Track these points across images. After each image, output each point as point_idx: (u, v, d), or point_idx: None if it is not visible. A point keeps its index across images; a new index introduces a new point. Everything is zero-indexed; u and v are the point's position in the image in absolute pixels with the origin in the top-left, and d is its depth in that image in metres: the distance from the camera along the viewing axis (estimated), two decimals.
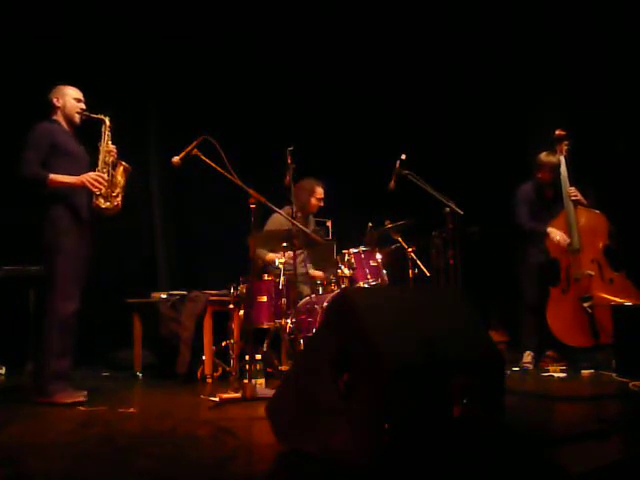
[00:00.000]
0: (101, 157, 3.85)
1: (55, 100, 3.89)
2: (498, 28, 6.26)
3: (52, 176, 3.64)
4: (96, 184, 3.71)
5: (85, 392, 3.69)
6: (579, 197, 4.94)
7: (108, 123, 3.92)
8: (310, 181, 5.00)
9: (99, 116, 3.91)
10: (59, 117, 3.89)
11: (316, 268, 5.08)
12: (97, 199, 3.75)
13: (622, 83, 5.58)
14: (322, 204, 5.13)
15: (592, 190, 5.01)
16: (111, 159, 3.86)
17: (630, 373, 4.03)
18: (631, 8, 5.44)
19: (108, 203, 3.77)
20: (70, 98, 3.89)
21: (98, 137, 3.88)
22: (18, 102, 5.21)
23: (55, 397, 3.53)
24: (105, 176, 3.78)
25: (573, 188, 4.94)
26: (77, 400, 3.55)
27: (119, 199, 3.82)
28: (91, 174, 3.73)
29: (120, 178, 3.85)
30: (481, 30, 6.33)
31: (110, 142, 3.89)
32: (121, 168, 3.88)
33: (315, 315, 4.29)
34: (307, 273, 5.00)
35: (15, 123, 5.10)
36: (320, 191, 5.09)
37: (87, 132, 3.97)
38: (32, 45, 5.39)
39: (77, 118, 3.89)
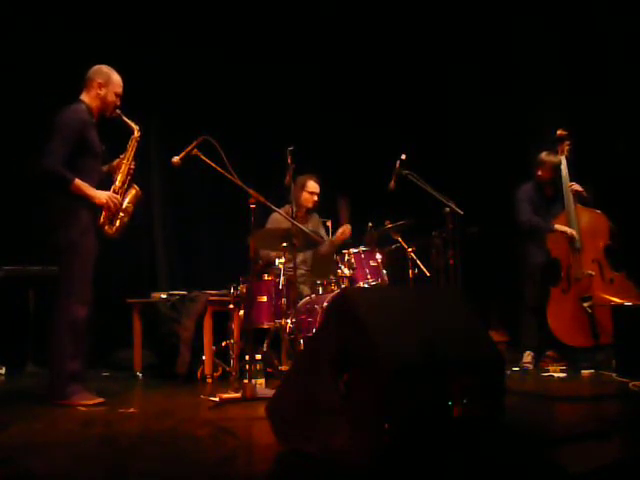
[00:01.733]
0: (122, 174, 3.69)
1: (97, 85, 3.63)
2: (498, 28, 6.25)
3: (77, 182, 3.46)
4: (112, 208, 3.58)
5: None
6: (580, 189, 4.93)
7: (137, 134, 3.74)
8: (303, 176, 4.95)
9: (131, 123, 3.73)
10: (91, 102, 3.64)
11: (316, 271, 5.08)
12: (102, 219, 3.60)
13: (622, 82, 5.58)
14: (316, 198, 5.07)
15: (592, 190, 5.01)
16: (128, 178, 3.71)
17: (630, 373, 4.03)
18: (631, 8, 5.44)
19: (110, 225, 3.63)
20: (113, 90, 3.66)
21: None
22: (17, 103, 5.23)
23: (73, 399, 3.47)
24: (119, 198, 3.64)
25: (574, 183, 4.95)
26: (96, 402, 3.51)
27: (122, 224, 3.67)
28: (112, 196, 3.59)
29: (129, 203, 3.70)
30: (481, 30, 6.33)
31: (133, 158, 3.73)
32: (133, 192, 3.73)
33: (315, 315, 4.29)
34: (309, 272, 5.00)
35: (13, 125, 5.17)
36: (312, 184, 5.04)
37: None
38: (33, 45, 5.39)
39: (109, 113, 3.68)
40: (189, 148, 3.66)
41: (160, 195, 6.23)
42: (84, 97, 3.67)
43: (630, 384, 3.83)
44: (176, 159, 3.66)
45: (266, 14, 6.20)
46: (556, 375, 4.54)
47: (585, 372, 4.58)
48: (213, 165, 3.67)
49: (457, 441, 2.19)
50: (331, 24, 6.37)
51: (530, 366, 4.89)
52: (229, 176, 3.68)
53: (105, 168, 3.79)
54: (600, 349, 4.78)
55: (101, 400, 3.54)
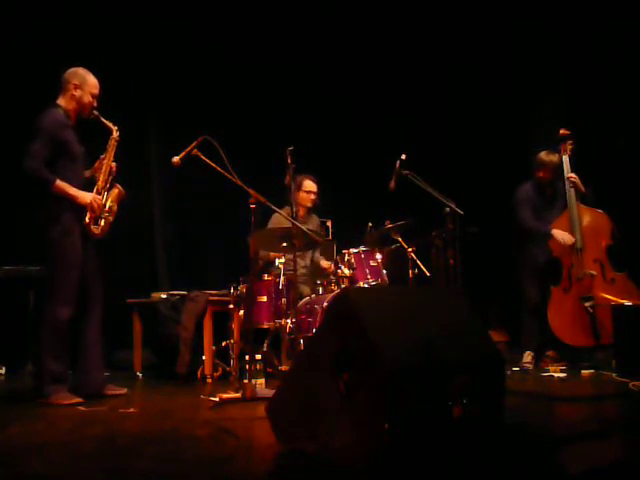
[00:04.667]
0: (103, 174, 3.74)
1: (72, 87, 3.67)
2: (498, 28, 6.26)
3: (59, 183, 3.54)
4: (97, 209, 3.64)
5: (123, 390, 3.88)
6: (578, 180, 4.92)
7: (116, 135, 3.78)
8: (300, 176, 4.95)
9: (109, 124, 3.77)
10: (67, 104, 3.68)
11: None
12: (87, 220, 3.65)
13: (622, 82, 5.57)
14: (313, 197, 5.11)
15: (593, 189, 5.00)
16: (110, 178, 3.76)
17: (630, 373, 4.03)
18: (631, 8, 5.43)
19: (95, 225, 3.68)
20: (88, 91, 3.68)
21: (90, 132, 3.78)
22: (15, 103, 5.23)
23: (51, 398, 3.54)
24: (102, 199, 3.70)
25: (573, 174, 4.94)
26: (73, 402, 3.54)
27: (107, 224, 3.72)
28: (96, 197, 3.65)
29: (112, 203, 3.75)
30: (481, 30, 6.33)
31: (113, 158, 3.77)
32: (115, 191, 3.77)
33: (315, 315, 4.29)
34: (312, 268, 5.02)
35: (9, 124, 5.17)
36: (308, 183, 5.07)
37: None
38: (33, 45, 5.38)
39: (87, 114, 3.71)
40: (189, 148, 3.66)
41: (160, 195, 6.23)
42: (60, 101, 3.72)
43: (630, 384, 3.82)
44: (176, 159, 3.66)
45: (266, 13, 6.20)
46: (556, 375, 4.53)
47: (585, 372, 4.57)
48: (213, 165, 3.67)
49: (457, 441, 2.19)
50: (331, 24, 6.37)
51: (530, 366, 4.89)
52: (229, 176, 3.68)
53: (87, 173, 3.81)
54: (600, 349, 4.78)
55: (80, 400, 3.56)
